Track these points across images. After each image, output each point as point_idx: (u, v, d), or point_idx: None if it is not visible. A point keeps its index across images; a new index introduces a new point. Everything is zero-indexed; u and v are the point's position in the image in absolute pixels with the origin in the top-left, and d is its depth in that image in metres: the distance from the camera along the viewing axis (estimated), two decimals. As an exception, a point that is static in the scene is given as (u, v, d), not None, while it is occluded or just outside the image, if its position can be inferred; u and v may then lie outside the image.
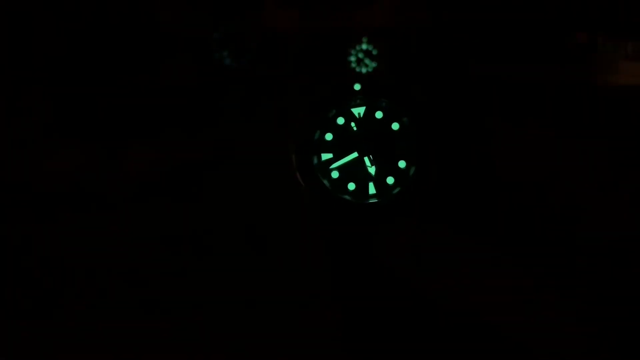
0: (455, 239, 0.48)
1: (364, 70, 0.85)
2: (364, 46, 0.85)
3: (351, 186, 0.44)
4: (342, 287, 0.43)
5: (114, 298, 0.43)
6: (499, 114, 0.66)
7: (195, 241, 0.49)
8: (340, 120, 0.45)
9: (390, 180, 0.44)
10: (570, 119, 0.65)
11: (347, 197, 0.44)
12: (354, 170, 0.44)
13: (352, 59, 0.85)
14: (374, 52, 0.85)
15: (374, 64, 0.85)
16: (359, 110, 0.45)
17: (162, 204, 0.54)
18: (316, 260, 0.45)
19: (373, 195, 0.44)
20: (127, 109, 0.70)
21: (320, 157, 0.44)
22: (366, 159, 0.44)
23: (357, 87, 0.45)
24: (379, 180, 0.44)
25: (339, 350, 0.39)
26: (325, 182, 0.44)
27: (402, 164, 0.44)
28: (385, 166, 0.44)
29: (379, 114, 0.44)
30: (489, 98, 0.68)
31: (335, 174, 0.44)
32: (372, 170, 0.44)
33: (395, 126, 0.44)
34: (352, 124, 0.45)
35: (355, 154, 0.44)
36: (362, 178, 0.44)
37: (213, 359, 0.39)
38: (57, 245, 0.49)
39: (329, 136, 0.44)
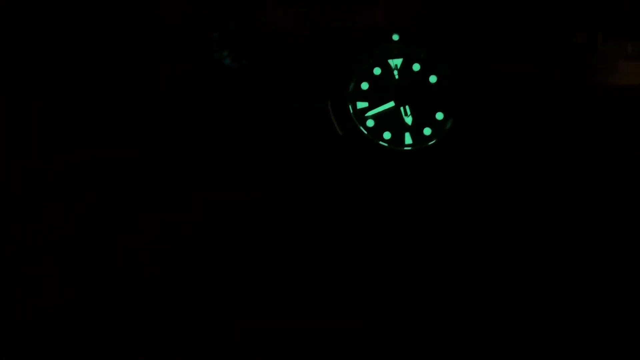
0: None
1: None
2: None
3: (387, 135, 0.44)
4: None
5: (112, 298, 0.43)
6: (497, 114, 0.66)
7: (195, 241, 0.49)
8: (377, 71, 0.44)
9: (427, 131, 0.44)
10: (570, 119, 0.65)
11: (384, 144, 0.43)
12: (390, 120, 0.44)
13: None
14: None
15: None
16: (396, 62, 0.44)
17: (161, 203, 0.54)
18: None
19: (409, 145, 0.43)
20: (126, 109, 0.70)
21: (355, 105, 0.43)
22: (402, 109, 0.43)
23: (395, 37, 0.45)
24: (415, 131, 0.44)
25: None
26: (362, 129, 0.43)
27: (439, 115, 0.44)
28: (423, 117, 0.44)
29: (416, 67, 0.44)
30: (488, 97, 0.68)
31: (370, 123, 0.44)
32: (408, 120, 0.43)
33: (432, 79, 0.44)
34: (395, 72, 0.44)
35: (392, 103, 0.43)
36: (398, 127, 0.44)
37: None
38: (55, 245, 0.49)
39: (364, 85, 0.44)
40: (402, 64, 0.44)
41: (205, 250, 0.48)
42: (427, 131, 0.43)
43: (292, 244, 0.45)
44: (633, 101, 0.67)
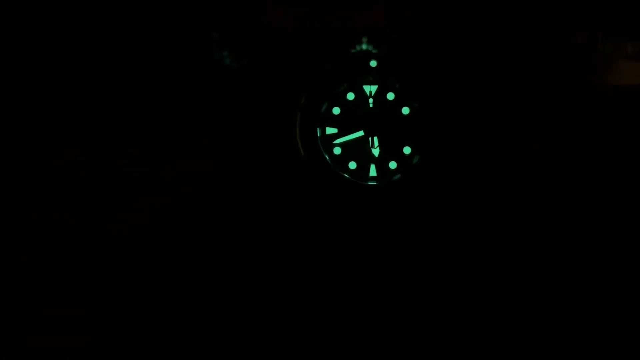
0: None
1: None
2: (364, 46, 0.85)
3: (352, 165, 0.43)
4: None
5: (111, 299, 0.43)
6: (497, 114, 0.66)
7: (196, 242, 0.49)
8: (350, 96, 0.43)
9: (392, 165, 0.43)
10: (570, 119, 0.65)
11: (346, 175, 0.42)
12: (357, 149, 0.43)
13: (352, 59, 0.85)
14: (374, 52, 0.85)
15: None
16: (370, 89, 0.43)
17: (161, 204, 0.54)
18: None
19: (373, 178, 0.43)
20: (127, 109, 0.70)
21: (324, 130, 0.43)
22: (370, 139, 0.42)
23: (373, 64, 0.44)
24: (380, 164, 0.43)
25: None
26: (327, 156, 0.42)
27: (407, 150, 0.43)
28: (390, 150, 0.43)
29: (390, 96, 0.43)
30: (488, 98, 0.68)
31: (337, 150, 0.43)
32: (375, 152, 0.43)
33: (405, 110, 0.43)
34: (370, 100, 0.43)
35: (361, 133, 0.42)
36: (364, 159, 0.43)
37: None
38: (56, 246, 0.49)
39: (336, 110, 0.43)
40: (377, 92, 0.43)
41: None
42: (392, 165, 0.42)
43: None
44: (633, 101, 0.67)
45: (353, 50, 0.80)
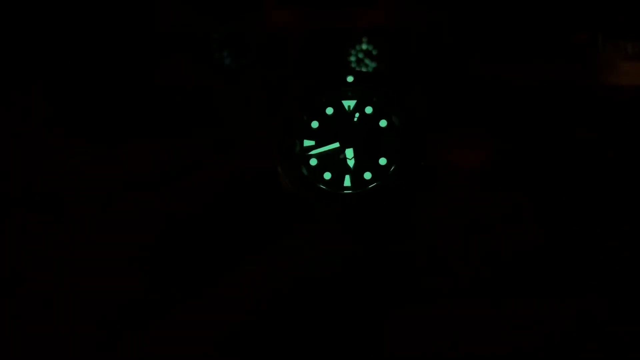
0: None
1: (363, 70, 0.85)
2: (364, 46, 0.85)
3: (327, 175, 0.44)
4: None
5: (110, 300, 0.43)
6: (497, 113, 0.66)
7: (194, 243, 0.49)
8: (329, 110, 0.44)
9: (367, 175, 0.44)
10: (570, 119, 0.65)
11: (322, 186, 0.43)
12: (333, 161, 0.44)
13: (352, 59, 0.86)
14: (374, 52, 0.85)
15: (374, 64, 0.85)
16: (349, 103, 0.44)
17: (161, 204, 0.54)
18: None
19: (348, 188, 0.44)
20: (126, 109, 0.70)
21: (302, 143, 0.44)
22: (347, 151, 0.44)
23: (349, 79, 0.45)
24: (356, 174, 0.44)
25: None
26: (303, 168, 0.44)
27: (382, 161, 0.44)
28: (365, 161, 0.44)
29: (368, 109, 0.44)
30: (488, 98, 0.69)
31: (313, 161, 0.44)
32: (351, 162, 0.44)
33: (382, 123, 0.44)
34: (356, 114, 0.44)
35: (336, 144, 0.44)
36: (340, 169, 0.44)
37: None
38: (56, 245, 0.49)
39: (314, 124, 0.44)
40: (355, 106, 0.44)
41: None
42: (367, 175, 0.44)
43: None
44: (633, 101, 0.67)
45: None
